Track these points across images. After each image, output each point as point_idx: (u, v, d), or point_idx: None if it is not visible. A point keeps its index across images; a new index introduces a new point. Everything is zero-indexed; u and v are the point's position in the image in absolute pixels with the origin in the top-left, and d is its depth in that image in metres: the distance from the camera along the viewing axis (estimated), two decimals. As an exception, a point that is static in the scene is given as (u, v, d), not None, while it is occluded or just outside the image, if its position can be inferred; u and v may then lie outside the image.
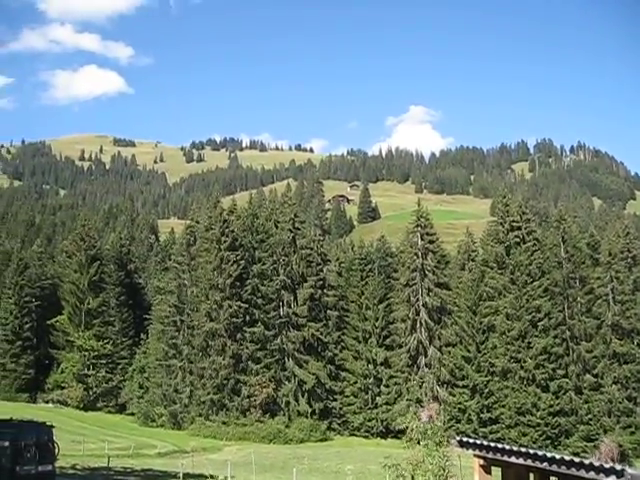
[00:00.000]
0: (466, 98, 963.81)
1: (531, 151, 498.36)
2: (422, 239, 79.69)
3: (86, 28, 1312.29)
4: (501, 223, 79.06)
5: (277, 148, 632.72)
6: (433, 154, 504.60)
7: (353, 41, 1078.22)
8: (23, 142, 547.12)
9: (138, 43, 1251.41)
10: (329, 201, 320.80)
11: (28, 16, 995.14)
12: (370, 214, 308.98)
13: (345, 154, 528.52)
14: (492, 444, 14.02)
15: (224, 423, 74.45)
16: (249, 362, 77.48)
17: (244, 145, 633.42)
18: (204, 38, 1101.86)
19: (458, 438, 15.41)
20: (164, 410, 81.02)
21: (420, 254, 78.96)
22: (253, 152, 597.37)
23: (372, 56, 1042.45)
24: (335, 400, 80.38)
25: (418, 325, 77.82)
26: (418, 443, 17.63)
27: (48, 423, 32.62)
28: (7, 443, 28.70)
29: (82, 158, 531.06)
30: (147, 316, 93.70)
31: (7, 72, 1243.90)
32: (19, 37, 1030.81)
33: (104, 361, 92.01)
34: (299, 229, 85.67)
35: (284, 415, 77.23)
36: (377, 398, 78.92)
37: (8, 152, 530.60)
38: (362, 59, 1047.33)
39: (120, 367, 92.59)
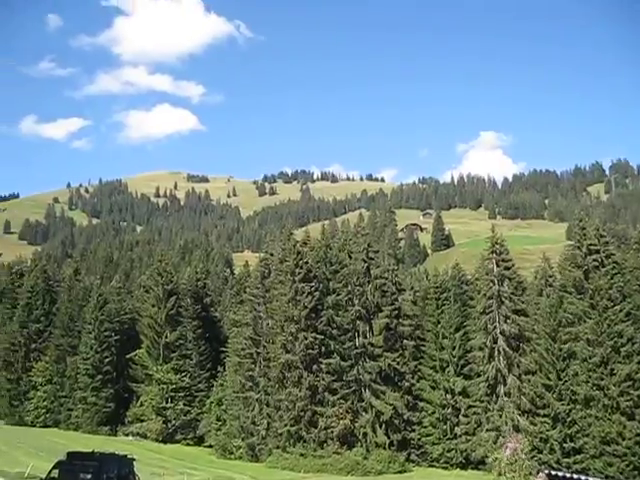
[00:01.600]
0: (537, 121, 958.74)
1: (606, 172, 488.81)
2: (497, 265, 78.38)
3: (158, 69, 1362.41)
4: (578, 247, 77.15)
5: (348, 179, 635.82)
6: (506, 179, 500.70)
7: (421, 68, 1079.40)
8: (100, 181, 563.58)
9: (209, 81, 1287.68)
10: (402, 230, 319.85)
11: (103, 60, 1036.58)
12: (444, 242, 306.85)
13: (416, 182, 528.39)
14: (583, 477, 13.54)
15: (302, 455, 74.00)
16: (325, 393, 77.06)
17: (315, 177, 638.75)
18: (271, 73, 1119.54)
19: (547, 471, 14.95)
20: (242, 442, 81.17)
21: (496, 281, 77.62)
22: (324, 183, 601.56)
23: (441, 83, 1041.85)
24: (413, 431, 79.10)
25: (496, 353, 76.28)
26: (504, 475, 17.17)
27: (129, 456, 33.06)
28: (90, 476, 29.19)
29: (157, 195, 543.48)
30: (224, 349, 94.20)
31: (84, 114, 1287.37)
32: (95, 80, 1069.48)
33: (182, 394, 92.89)
34: (373, 259, 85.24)
35: (362, 446, 76.33)
36: (456, 428, 77.31)
37: (86, 191, 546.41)
38: (431, 86, 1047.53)
39: (198, 400, 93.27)
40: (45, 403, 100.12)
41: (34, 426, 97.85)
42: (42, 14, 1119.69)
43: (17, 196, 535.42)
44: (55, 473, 30.53)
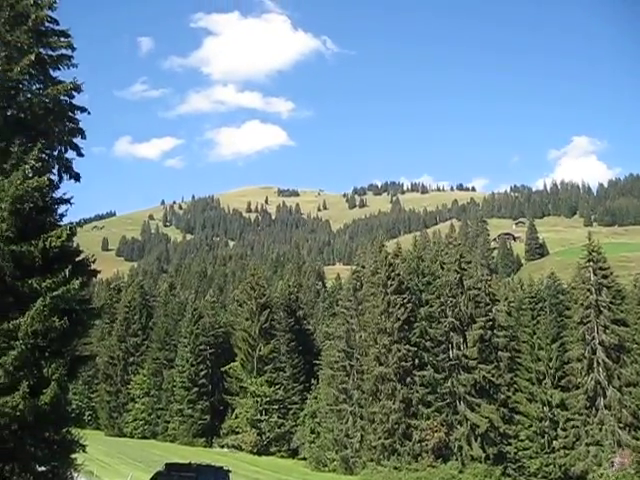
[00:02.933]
0: (633, 124, 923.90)
1: None
2: (595, 274, 76.33)
3: (247, 87, 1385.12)
4: (681, 254, 74.62)
5: (438, 189, 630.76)
6: (601, 185, 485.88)
7: (510, 76, 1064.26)
8: (193, 198, 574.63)
9: (298, 97, 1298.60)
10: (494, 239, 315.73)
11: (194, 80, 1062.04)
12: (538, 251, 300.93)
13: (508, 191, 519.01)
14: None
15: (396, 468, 73.22)
16: (420, 406, 76.28)
17: (405, 188, 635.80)
18: (359, 86, 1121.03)
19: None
20: (336, 455, 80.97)
21: (593, 290, 75.57)
22: (415, 195, 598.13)
23: (530, 90, 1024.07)
24: (510, 444, 77.43)
25: (595, 364, 74.19)
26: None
27: (225, 467, 33.34)
28: (187, 487, 29.57)
29: (249, 210, 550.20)
30: (317, 361, 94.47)
31: (177, 134, 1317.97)
32: (186, 100, 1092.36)
33: (276, 406, 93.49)
34: (466, 269, 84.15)
35: (457, 460, 75.17)
36: (554, 442, 75.41)
37: (180, 208, 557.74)
38: (520, 94, 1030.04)
39: (292, 412, 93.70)
40: (143, 415, 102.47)
41: (132, 437, 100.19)
42: (134, 38, 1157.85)
43: (114, 214, 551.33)
44: (154, 484, 31.07)
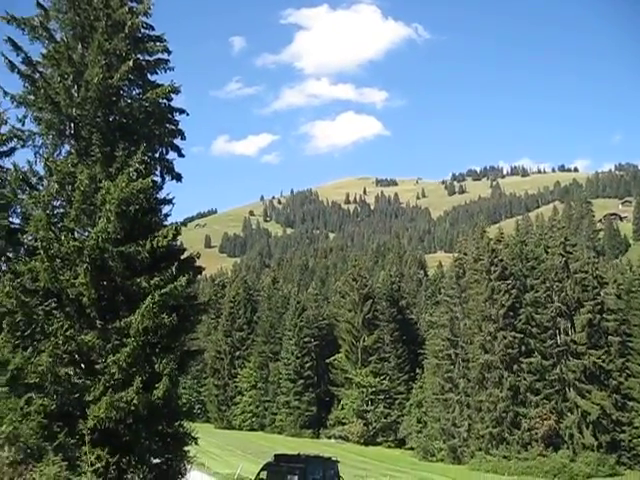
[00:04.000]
0: None
1: None
2: None
3: (340, 79, 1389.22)
4: None
5: (539, 171, 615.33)
6: None
7: (608, 53, 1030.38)
8: (292, 192, 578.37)
9: (391, 86, 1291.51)
10: (600, 221, 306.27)
11: (287, 76, 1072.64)
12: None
13: (613, 170, 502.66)
14: None
15: (505, 457, 72.47)
16: (528, 394, 75.14)
17: (505, 172, 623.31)
18: (453, 71, 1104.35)
19: None
20: (443, 444, 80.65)
21: None
22: (515, 178, 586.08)
23: (629, 67, 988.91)
24: (623, 432, 75.24)
25: None
26: None
27: (333, 458, 33.54)
28: (296, 477, 29.86)
29: (347, 201, 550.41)
30: (421, 351, 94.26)
31: (273, 130, 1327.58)
32: (280, 96, 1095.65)
33: (382, 397, 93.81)
34: (571, 253, 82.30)
35: (568, 448, 73.66)
36: (671, 430, 73.09)
37: (279, 202, 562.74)
38: (619, 71, 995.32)
39: (397, 402, 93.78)
40: (251, 408, 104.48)
41: (241, 430, 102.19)
42: (226, 38, 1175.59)
43: (215, 212, 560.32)
44: (264, 474, 31.42)
